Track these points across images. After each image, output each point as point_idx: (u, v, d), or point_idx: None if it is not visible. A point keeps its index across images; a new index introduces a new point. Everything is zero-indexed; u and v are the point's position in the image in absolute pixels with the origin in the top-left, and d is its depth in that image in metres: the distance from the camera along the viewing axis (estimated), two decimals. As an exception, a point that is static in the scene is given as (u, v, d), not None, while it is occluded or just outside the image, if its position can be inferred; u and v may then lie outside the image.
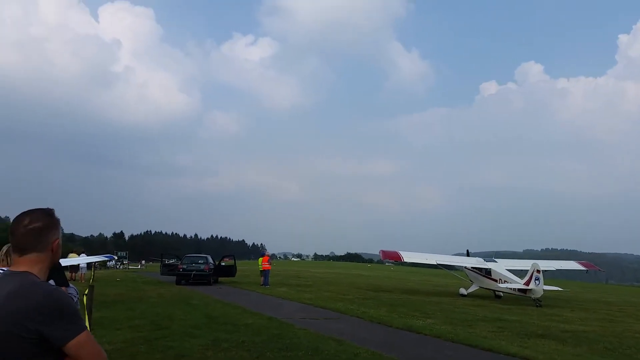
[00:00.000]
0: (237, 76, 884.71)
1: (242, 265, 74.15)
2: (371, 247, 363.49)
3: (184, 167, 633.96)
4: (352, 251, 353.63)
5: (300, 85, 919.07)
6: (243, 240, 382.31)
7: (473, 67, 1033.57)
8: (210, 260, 49.89)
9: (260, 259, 47.72)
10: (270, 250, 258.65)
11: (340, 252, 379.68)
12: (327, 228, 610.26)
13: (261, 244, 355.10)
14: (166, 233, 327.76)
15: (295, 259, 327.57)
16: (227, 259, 51.82)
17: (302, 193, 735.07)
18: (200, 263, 48.20)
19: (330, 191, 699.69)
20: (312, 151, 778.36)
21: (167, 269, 51.79)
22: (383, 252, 45.07)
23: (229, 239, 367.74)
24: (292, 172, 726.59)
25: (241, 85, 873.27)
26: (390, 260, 53.74)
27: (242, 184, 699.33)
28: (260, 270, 46.68)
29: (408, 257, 44.00)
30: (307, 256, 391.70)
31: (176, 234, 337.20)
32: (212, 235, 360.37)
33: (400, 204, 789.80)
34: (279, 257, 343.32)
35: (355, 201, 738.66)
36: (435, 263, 44.10)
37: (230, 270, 50.18)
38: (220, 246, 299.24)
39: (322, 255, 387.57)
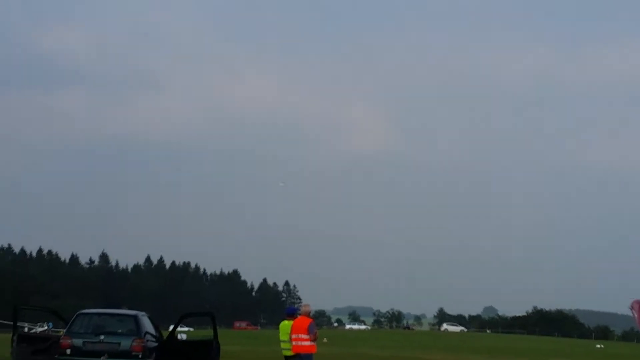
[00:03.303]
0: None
1: (235, 341, 42.87)
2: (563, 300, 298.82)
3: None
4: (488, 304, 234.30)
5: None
6: (237, 273, 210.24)
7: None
8: (146, 324, 22.97)
9: (286, 322, 20.55)
10: (314, 302, 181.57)
11: (465, 307, 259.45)
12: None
13: (288, 286, 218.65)
14: (29, 253, 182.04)
15: (356, 326, 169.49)
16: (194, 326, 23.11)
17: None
18: (118, 334, 22.14)
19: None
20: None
21: (29, 349, 22.45)
22: None
23: (203, 270, 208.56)
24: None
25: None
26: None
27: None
28: (288, 357, 20.10)
29: None
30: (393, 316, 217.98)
31: (54, 254, 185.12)
32: (155, 259, 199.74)
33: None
34: (334, 323, 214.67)
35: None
36: None
37: (203, 353, 22.58)
38: (174, 287, 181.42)
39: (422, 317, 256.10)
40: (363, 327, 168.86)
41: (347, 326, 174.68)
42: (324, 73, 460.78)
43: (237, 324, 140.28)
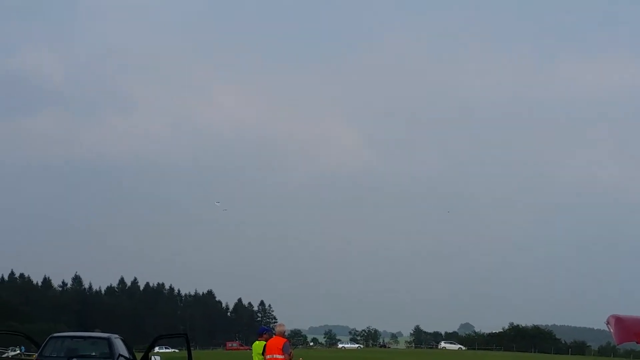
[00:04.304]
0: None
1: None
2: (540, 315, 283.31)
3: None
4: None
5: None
6: (212, 294, 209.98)
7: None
8: (119, 346, 22.53)
9: (258, 343, 20.19)
10: (289, 321, 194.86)
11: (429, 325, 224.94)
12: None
13: (263, 306, 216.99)
14: (1, 276, 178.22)
15: (349, 346, 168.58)
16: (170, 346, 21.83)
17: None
18: (91, 357, 22.19)
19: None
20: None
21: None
22: (619, 320, 11.86)
23: (178, 291, 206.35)
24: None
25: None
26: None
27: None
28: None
29: None
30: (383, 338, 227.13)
31: (26, 277, 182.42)
32: (129, 281, 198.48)
33: None
34: (321, 341, 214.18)
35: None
36: None
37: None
38: (148, 308, 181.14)
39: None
40: (355, 346, 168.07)
41: (340, 345, 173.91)
42: (296, 90, 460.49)
43: (229, 344, 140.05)
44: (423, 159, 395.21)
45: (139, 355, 23.54)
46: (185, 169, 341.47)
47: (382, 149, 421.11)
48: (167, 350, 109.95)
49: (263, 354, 19.76)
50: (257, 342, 20.30)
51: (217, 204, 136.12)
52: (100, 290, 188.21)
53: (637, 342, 7.97)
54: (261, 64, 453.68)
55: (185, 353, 23.13)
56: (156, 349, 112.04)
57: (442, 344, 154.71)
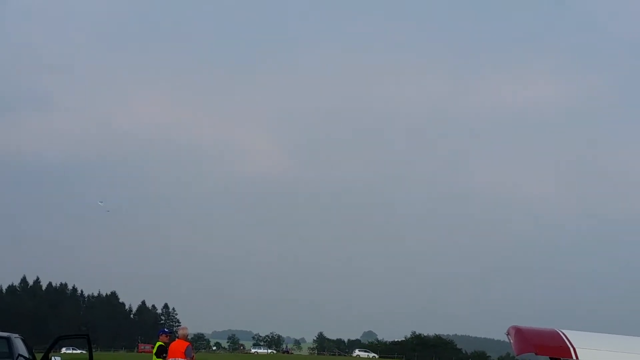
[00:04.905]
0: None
1: None
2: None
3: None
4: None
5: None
6: (115, 295, 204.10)
7: None
8: (19, 346, 21.98)
9: (158, 344, 20.93)
10: (193, 325, 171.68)
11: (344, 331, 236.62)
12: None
13: (167, 309, 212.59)
14: None
15: (261, 350, 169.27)
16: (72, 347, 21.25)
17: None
18: None
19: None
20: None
21: None
22: (518, 331, 12.00)
23: (81, 292, 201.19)
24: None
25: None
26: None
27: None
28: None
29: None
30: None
31: None
32: (31, 280, 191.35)
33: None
34: (224, 345, 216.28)
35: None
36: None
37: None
38: (51, 309, 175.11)
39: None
40: (267, 351, 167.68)
41: (253, 350, 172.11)
42: (216, 93, 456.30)
43: (141, 346, 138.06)
44: (337, 167, 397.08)
45: (39, 356, 23.03)
46: (96, 169, 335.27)
47: (297, 155, 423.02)
48: (75, 352, 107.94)
49: (158, 354, 19.77)
50: (157, 343, 20.36)
51: (100, 203, 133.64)
52: (1, 289, 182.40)
53: (536, 354, 8.23)
54: (179, 65, 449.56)
55: (86, 355, 22.76)
56: (63, 350, 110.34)
57: (357, 352, 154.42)
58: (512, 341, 8.71)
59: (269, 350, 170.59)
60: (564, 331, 9.66)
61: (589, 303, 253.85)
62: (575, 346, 8.77)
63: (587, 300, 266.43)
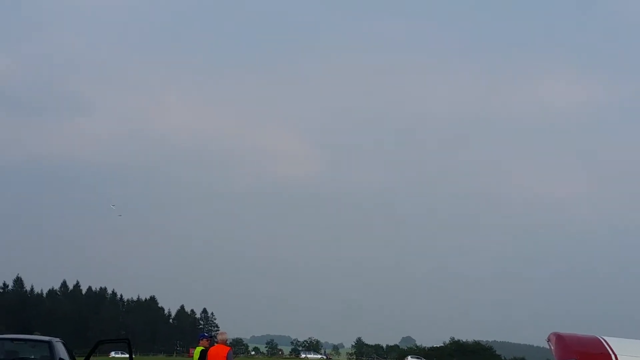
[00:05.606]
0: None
1: None
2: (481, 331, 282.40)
3: None
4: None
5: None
6: (154, 300, 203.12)
7: None
8: (60, 350, 21.86)
9: (200, 349, 20.56)
10: (231, 330, 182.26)
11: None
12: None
13: (205, 313, 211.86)
14: None
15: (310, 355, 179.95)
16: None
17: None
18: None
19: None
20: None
21: None
22: (559, 337, 11.93)
23: (120, 296, 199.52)
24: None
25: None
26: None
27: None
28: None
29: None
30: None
31: None
32: (71, 284, 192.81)
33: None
34: (262, 350, 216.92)
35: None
36: None
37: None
38: (90, 313, 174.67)
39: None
40: (319, 356, 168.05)
41: (303, 355, 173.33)
42: (247, 96, 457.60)
43: (192, 350, 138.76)
44: (370, 170, 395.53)
45: (79, 360, 23.30)
46: (132, 174, 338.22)
47: (329, 158, 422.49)
48: (124, 356, 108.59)
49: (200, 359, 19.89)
50: (198, 347, 20.47)
51: (113, 207, 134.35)
52: (41, 293, 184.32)
53: (576, 361, 8.15)
54: (213, 70, 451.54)
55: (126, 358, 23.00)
56: (112, 354, 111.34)
57: (409, 359, 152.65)
58: (553, 348, 8.61)
59: (320, 356, 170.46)
60: (605, 337, 9.57)
61: (630, 309, 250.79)
62: (616, 353, 8.69)
63: (628, 306, 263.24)
